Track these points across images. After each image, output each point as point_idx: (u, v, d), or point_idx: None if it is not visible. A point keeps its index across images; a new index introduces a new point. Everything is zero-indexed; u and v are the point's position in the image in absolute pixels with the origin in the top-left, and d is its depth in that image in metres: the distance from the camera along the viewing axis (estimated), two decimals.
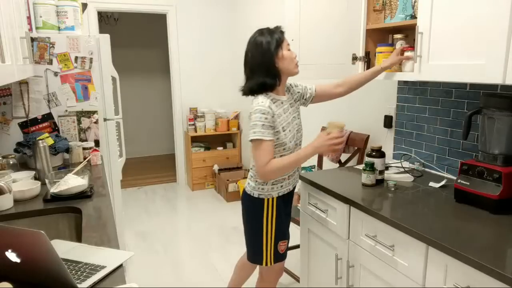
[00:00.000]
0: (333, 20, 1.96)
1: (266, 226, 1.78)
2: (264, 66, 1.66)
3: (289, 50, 1.67)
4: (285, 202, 1.84)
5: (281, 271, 1.98)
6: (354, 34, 2.00)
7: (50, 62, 2.47)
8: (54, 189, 1.71)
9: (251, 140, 1.61)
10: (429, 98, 2.03)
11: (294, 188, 1.89)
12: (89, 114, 2.61)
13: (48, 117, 2.52)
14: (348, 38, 2.00)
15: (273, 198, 1.76)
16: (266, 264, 1.83)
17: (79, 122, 2.59)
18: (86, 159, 2.26)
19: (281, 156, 1.69)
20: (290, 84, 1.83)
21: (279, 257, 1.86)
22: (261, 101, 1.63)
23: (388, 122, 2.32)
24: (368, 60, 2.03)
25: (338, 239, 1.78)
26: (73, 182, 1.75)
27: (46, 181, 1.72)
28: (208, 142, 4.86)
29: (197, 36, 4.72)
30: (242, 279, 2.20)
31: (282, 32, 1.68)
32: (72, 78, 2.53)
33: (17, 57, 1.79)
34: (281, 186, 1.78)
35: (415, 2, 1.71)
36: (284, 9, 1.92)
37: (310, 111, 3.21)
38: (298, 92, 1.84)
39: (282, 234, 1.84)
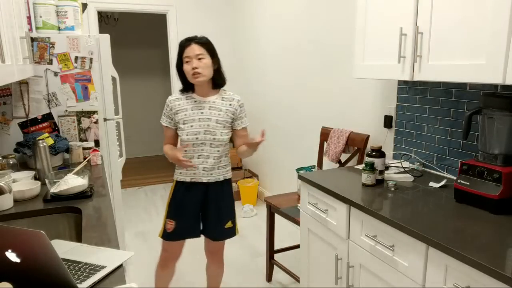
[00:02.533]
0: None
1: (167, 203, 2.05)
2: (177, 71, 1.95)
3: (187, 62, 1.83)
4: (188, 190, 1.98)
5: (167, 253, 2.08)
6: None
7: (50, 62, 2.47)
8: (54, 189, 1.71)
9: None
10: (429, 98, 2.03)
11: (203, 184, 1.95)
12: (89, 114, 2.61)
13: (48, 117, 2.52)
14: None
15: (175, 181, 2.01)
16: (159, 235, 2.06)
17: (79, 122, 2.59)
18: (86, 159, 2.26)
19: (181, 144, 1.94)
20: (238, 101, 1.96)
21: (165, 235, 2.02)
22: (172, 94, 2.00)
23: (388, 122, 2.32)
24: None
25: (338, 239, 1.78)
26: (73, 182, 1.75)
27: (46, 181, 1.72)
28: None
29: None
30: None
31: (187, 44, 1.84)
32: (72, 78, 2.53)
33: (17, 57, 1.79)
34: (180, 173, 1.98)
35: None
36: None
37: (310, 111, 3.21)
38: (235, 110, 1.94)
39: (172, 214, 2.00)
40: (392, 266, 1.47)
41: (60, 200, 1.72)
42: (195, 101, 1.91)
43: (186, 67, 1.84)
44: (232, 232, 2.07)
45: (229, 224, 2.03)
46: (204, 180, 1.95)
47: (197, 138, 1.88)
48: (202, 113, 1.89)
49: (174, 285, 2.65)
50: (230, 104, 1.92)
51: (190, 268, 2.86)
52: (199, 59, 1.82)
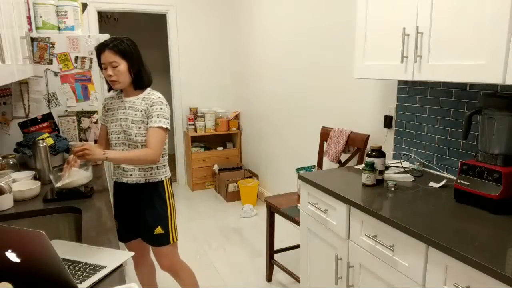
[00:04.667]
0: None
1: None
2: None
3: (106, 68, 1.78)
4: (116, 190, 1.97)
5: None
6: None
7: (50, 62, 2.47)
8: (59, 184, 1.70)
9: None
10: (429, 98, 2.03)
11: (124, 184, 1.89)
12: (89, 114, 2.61)
13: (48, 117, 2.52)
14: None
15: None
16: None
17: (79, 122, 2.59)
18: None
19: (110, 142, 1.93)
20: (153, 100, 1.82)
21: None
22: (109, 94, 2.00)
23: (388, 122, 2.32)
24: None
25: (338, 239, 1.78)
26: (78, 174, 1.73)
27: (51, 177, 1.71)
28: (208, 142, 4.86)
29: (197, 36, 4.72)
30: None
31: (102, 50, 1.78)
32: (72, 78, 2.53)
33: (17, 57, 1.79)
34: (113, 173, 1.97)
35: None
36: None
37: (310, 111, 3.21)
38: (147, 108, 1.82)
39: (115, 214, 1.97)
40: (392, 266, 1.47)
41: (60, 200, 1.72)
42: (122, 101, 1.88)
43: (104, 73, 1.81)
44: (163, 239, 1.92)
45: (158, 230, 1.90)
46: (124, 180, 1.89)
47: (118, 138, 1.86)
48: (123, 113, 1.85)
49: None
50: (146, 103, 1.83)
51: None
52: (114, 66, 1.76)
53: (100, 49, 1.78)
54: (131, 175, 1.88)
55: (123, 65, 1.78)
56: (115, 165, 1.93)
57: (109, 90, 1.94)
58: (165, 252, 1.96)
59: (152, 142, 1.79)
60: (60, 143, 2.33)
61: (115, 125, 1.87)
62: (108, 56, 1.76)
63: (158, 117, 1.80)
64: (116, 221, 1.99)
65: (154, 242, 1.93)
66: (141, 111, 1.83)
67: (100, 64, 1.81)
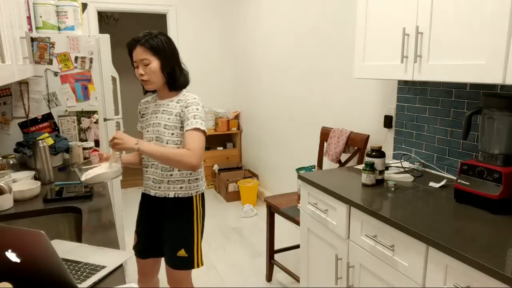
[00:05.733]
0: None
1: None
2: None
3: (137, 67, 1.63)
4: (143, 203, 1.86)
5: (138, 268, 1.93)
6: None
7: (50, 62, 2.47)
8: (84, 178, 1.53)
9: None
10: (429, 98, 2.03)
11: (152, 198, 1.78)
12: (89, 114, 2.61)
13: (48, 117, 2.52)
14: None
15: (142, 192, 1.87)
16: None
17: (79, 122, 2.59)
18: (86, 160, 2.25)
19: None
20: (187, 101, 1.67)
21: (134, 248, 1.90)
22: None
23: (388, 122, 2.32)
24: None
25: (338, 239, 1.78)
26: (105, 168, 1.58)
27: (76, 169, 1.54)
28: (208, 142, 4.86)
29: (197, 36, 4.72)
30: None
31: (132, 46, 1.62)
32: (72, 78, 2.53)
33: (17, 57, 1.79)
34: (142, 184, 1.86)
35: None
36: None
37: (310, 111, 3.21)
38: (181, 111, 1.67)
39: (136, 228, 1.90)
40: (392, 266, 1.47)
41: (60, 200, 1.72)
42: (156, 105, 1.74)
43: (136, 72, 1.65)
44: (186, 263, 1.75)
45: (182, 253, 1.73)
46: (152, 193, 1.76)
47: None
48: (156, 117, 1.70)
49: None
50: (180, 106, 1.66)
51: None
52: (145, 64, 1.60)
53: (131, 45, 1.62)
54: (159, 187, 1.73)
55: (155, 63, 1.61)
56: (144, 175, 1.80)
57: (144, 93, 1.78)
58: (182, 278, 1.79)
59: (191, 143, 1.57)
60: (60, 143, 2.33)
61: (148, 131, 1.73)
62: (139, 53, 1.59)
63: (194, 118, 1.62)
64: (136, 236, 1.87)
65: (176, 264, 1.75)
66: (175, 114, 1.66)
67: (132, 63, 1.66)
